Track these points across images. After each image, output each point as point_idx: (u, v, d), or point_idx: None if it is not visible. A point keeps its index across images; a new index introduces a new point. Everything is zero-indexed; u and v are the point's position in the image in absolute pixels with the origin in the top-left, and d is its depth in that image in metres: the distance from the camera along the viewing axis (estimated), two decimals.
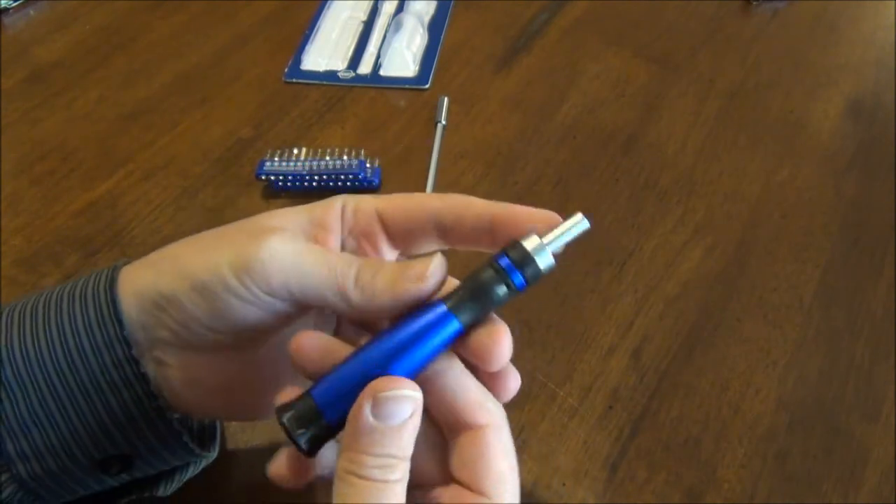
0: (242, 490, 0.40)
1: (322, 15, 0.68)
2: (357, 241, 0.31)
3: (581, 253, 0.50)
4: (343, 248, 0.31)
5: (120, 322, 0.28)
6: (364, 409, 0.25)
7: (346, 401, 0.26)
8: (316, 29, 0.66)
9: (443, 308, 0.27)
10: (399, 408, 0.25)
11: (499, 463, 0.27)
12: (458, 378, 0.28)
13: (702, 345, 0.46)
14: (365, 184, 0.53)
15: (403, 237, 0.31)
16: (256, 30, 0.66)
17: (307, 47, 0.64)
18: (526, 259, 0.27)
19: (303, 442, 0.26)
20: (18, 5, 0.68)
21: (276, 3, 0.69)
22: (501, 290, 0.27)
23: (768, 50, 0.65)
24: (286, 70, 0.62)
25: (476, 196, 0.31)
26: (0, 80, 0.61)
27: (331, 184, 0.53)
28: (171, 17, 0.67)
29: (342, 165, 0.53)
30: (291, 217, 0.30)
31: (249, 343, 0.29)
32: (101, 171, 0.55)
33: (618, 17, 0.67)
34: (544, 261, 0.27)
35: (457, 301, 0.27)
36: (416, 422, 0.25)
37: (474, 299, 0.27)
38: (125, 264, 0.30)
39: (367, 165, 0.53)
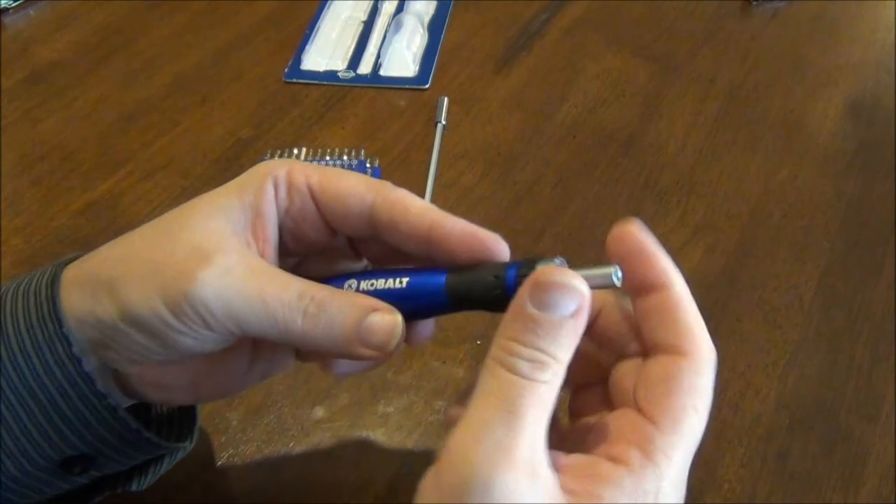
0: (244, 492, 0.40)
1: (322, 15, 0.68)
2: (294, 223, 0.29)
3: (581, 253, 0.50)
4: (281, 232, 0.29)
5: (59, 320, 0.27)
6: (525, 293, 0.23)
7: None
8: (316, 29, 0.66)
9: (441, 285, 0.27)
10: (561, 299, 0.23)
11: (684, 397, 0.24)
12: (681, 294, 0.26)
13: None
14: None
15: (338, 221, 0.29)
16: (256, 30, 0.66)
17: (307, 47, 0.64)
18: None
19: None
20: (18, 5, 0.68)
21: (276, 3, 0.69)
22: (492, 298, 0.26)
23: (768, 50, 0.65)
24: (286, 70, 0.62)
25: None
26: (0, 80, 0.61)
27: None
28: (171, 17, 0.67)
29: (342, 165, 0.53)
30: (223, 217, 0.28)
31: (208, 353, 0.28)
32: (101, 171, 0.55)
33: (618, 17, 0.67)
34: None
35: (453, 294, 0.27)
36: (579, 322, 0.23)
37: (467, 300, 0.27)
38: (70, 261, 0.29)
39: (367, 165, 0.53)
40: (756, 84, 0.62)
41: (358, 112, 0.59)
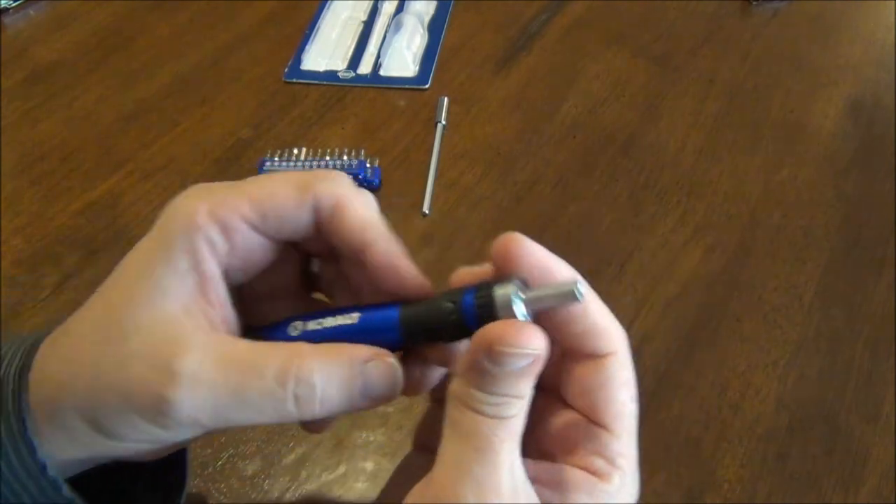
0: (245, 492, 0.40)
1: (322, 15, 0.68)
2: (240, 259, 0.27)
3: (581, 253, 0.50)
4: (233, 273, 0.27)
5: (23, 424, 0.25)
6: (480, 353, 0.23)
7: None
8: (316, 29, 0.66)
9: (395, 319, 0.26)
10: (517, 360, 0.23)
11: (621, 394, 0.26)
12: (589, 303, 0.26)
13: (702, 345, 0.46)
14: (365, 184, 0.53)
15: (288, 236, 0.27)
16: (256, 30, 0.66)
17: (307, 47, 0.64)
18: (488, 311, 0.24)
19: None
20: (18, 5, 0.68)
21: (276, 3, 0.69)
22: (449, 325, 0.25)
23: (768, 50, 0.65)
24: (286, 70, 0.62)
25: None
26: (0, 80, 0.61)
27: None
28: (171, 17, 0.67)
29: (342, 165, 0.53)
30: (167, 301, 0.25)
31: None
32: (101, 171, 0.55)
33: (618, 17, 0.67)
34: (505, 312, 0.24)
35: (408, 325, 0.26)
36: (537, 367, 0.23)
37: (423, 331, 0.26)
38: (34, 345, 0.26)
39: (367, 165, 0.53)
40: (756, 84, 0.62)
41: (358, 112, 0.59)
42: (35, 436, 0.25)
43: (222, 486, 0.40)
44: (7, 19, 0.67)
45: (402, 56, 0.63)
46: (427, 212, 0.52)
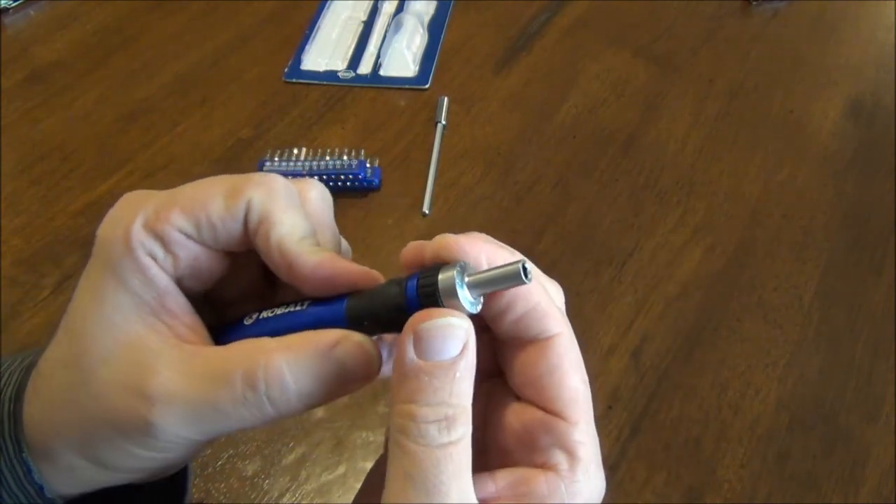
0: (245, 492, 0.40)
1: (322, 15, 0.68)
2: (189, 265, 0.25)
3: (581, 253, 0.50)
4: (184, 278, 0.26)
5: (19, 444, 0.25)
6: (406, 347, 0.22)
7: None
8: (316, 29, 0.66)
9: (341, 311, 0.25)
10: (445, 340, 0.22)
11: (572, 379, 0.24)
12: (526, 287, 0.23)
13: (702, 345, 0.46)
14: (365, 184, 0.53)
15: (227, 244, 0.26)
16: (256, 30, 0.66)
17: (307, 47, 0.64)
18: (431, 295, 0.23)
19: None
20: (18, 5, 0.68)
21: (276, 3, 0.69)
22: (394, 312, 0.24)
23: (768, 50, 0.65)
24: (286, 70, 0.62)
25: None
26: (0, 80, 0.61)
27: (331, 184, 0.53)
28: (171, 17, 0.67)
29: (342, 165, 0.53)
30: (126, 322, 0.24)
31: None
32: (101, 171, 0.55)
33: (618, 17, 0.67)
34: (449, 296, 0.23)
35: (353, 315, 0.25)
36: (469, 360, 0.22)
37: (370, 318, 0.25)
38: (33, 362, 0.26)
39: (367, 165, 0.53)
40: (756, 84, 0.62)
41: (358, 112, 0.59)
42: (33, 463, 0.25)
43: (222, 486, 0.40)
44: (7, 19, 0.67)
45: (402, 56, 0.63)
46: (427, 212, 0.52)
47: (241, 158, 0.56)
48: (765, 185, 0.54)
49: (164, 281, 0.25)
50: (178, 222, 0.25)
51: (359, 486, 0.40)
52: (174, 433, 0.23)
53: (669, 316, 0.47)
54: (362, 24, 0.67)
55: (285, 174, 0.52)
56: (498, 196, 0.53)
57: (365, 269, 0.25)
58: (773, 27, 0.67)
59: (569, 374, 0.24)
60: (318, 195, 0.27)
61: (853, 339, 0.46)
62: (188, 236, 0.25)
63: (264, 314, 0.26)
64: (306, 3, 0.68)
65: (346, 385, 0.24)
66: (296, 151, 0.54)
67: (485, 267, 0.24)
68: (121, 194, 0.27)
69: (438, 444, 0.21)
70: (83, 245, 0.50)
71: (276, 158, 0.53)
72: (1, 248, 0.50)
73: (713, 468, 0.41)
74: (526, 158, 0.56)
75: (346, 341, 0.24)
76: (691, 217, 0.52)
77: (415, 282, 0.23)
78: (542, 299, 0.24)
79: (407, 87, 0.61)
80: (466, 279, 0.23)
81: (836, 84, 0.62)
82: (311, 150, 0.55)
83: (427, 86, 0.61)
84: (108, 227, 0.25)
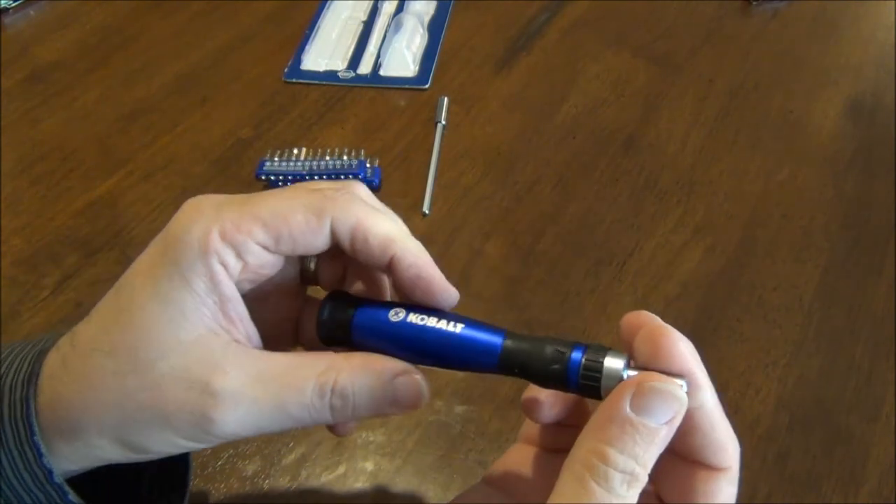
0: (245, 492, 0.40)
1: (322, 15, 0.68)
2: (254, 276, 0.27)
3: (581, 253, 0.50)
4: (246, 288, 0.27)
5: (31, 427, 0.25)
6: (624, 396, 0.23)
7: (374, 338, 0.27)
8: (316, 29, 0.66)
9: (497, 349, 0.26)
10: (663, 406, 0.23)
11: None
12: (713, 411, 0.24)
13: (702, 345, 0.45)
14: (365, 184, 0.53)
15: (299, 253, 0.28)
16: (256, 30, 0.66)
17: (307, 47, 0.64)
18: (594, 376, 0.25)
19: (325, 313, 0.28)
20: (18, 5, 0.68)
21: (276, 3, 0.69)
22: (549, 373, 0.25)
23: (768, 50, 0.65)
24: (286, 70, 0.62)
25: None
26: (0, 80, 0.61)
27: (323, 179, 0.52)
28: (171, 17, 0.67)
29: (342, 165, 0.53)
30: (189, 322, 0.25)
31: None
32: (101, 171, 0.55)
33: (618, 17, 0.67)
34: (609, 383, 0.24)
35: (507, 361, 0.26)
36: (672, 430, 0.23)
37: (519, 366, 0.26)
38: (41, 354, 0.26)
39: (367, 165, 0.53)
40: (756, 84, 0.62)
41: (358, 112, 0.59)
42: (44, 445, 0.25)
43: (222, 486, 0.40)
44: (7, 19, 0.67)
45: (402, 56, 0.63)
46: (427, 212, 0.52)
47: (241, 158, 0.56)
48: (765, 185, 0.54)
49: (230, 289, 0.26)
50: (258, 235, 0.26)
51: (359, 486, 0.40)
52: (231, 431, 0.25)
53: (669, 316, 0.47)
54: (362, 24, 0.67)
55: (285, 174, 0.52)
56: (498, 196, 0.53)
57: (447, 284, 0.28)
58: (773, 27, 0.67)
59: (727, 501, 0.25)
60: (367, 193, 0.29)
61: (853, 339, 0.46)
62: (264, 248, 0.26)
63: (412, 318, 0.27)
64: (306, 3, 0.68)
65: (393, 410, 0.27)
66: (296, 151, 0.54)
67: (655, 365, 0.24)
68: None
69: (619, 495, 0.22)
70: (83, 245, 0.50)
71: (276, 158, 0.53)
72: (1, 248, 0.50)
73: None
74: (526, 158, 0.56)
75: (406, 376, 0.26)
76: (691, 217, 0.52)
77: (580, 356, 0.25)
78: (723, 433, 0.25)
79: (407, 87, 0.61)
80: (627, 373, 0.24)
81: (836, 84, 0.62)
82: (311, 150, 0.55)
83: (427, 86, 0.61)
84: (181, 228, 0.26)
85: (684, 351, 0.25)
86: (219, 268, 0.25)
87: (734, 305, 0.48)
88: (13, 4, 0.68)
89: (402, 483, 0.40)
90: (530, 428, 0.31)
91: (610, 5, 0.68)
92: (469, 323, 0.27)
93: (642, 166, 0.55)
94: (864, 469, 0.41)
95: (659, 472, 0.25)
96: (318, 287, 0.31)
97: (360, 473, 0.40)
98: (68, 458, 0.26)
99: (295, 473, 0.40)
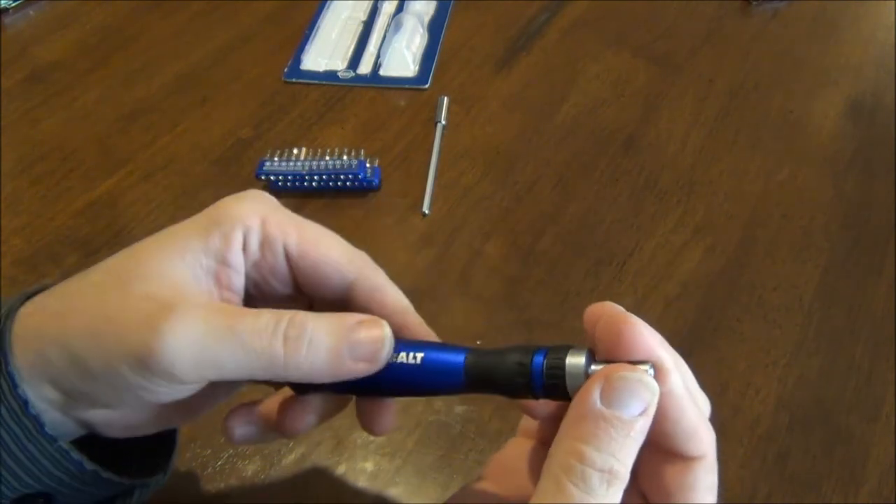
0: (244, 492, 0.40)
1: (322, 15, 0.68)
2: (261, 276, 0.28)
3: (581, 253, 0.50)
4: (247, 281, 0.27)
5: (5, 357, 0.25)
6: (593, 391, 0.22)
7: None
8: (316, 29, 0.66)
9: (460, 364, 0.26)
10: (634, 396, 0.22)
11: (705, 500, 0.24)
12: (682, 397, 0.23)
13: (702, 345, 0.46)
14: (365, 184, 0.53)
15: (310, 287, 0.28)
16: (256, 30, 0.66)
17: (307, 47, 0.64)
18: (557, 378, 0.24)
19: None
20: (18, 5, 0.68)
21: (276, 3, 0.69)
22: (514, 383, 0.25)
23: (768, 50, 0.65)
24: (286, 70, 0.62)
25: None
26: (0, 80, 0.61)
27: (330, 184, 0.53)
28: (171, 17, 0.67)
29: (342, 165, 0.53)
30: (183, 262, 0.25)
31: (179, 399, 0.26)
32: (101, 171, 0.55)
33: (618, 17, 0.67)
34: (574, 381, 0.24)
35: (471, 374, 0.26)
36: (646, 423, 0.22)
37: (485, 381, 0.26)
38: (24, 301, 0.26)
39: (367, 165, 0.53)
40: (756, 84, 0.62)
41: (358, 112, 0.59)
42: (16, 371, 0.25)
43: (222, 486, 0.40)
44: (7, 19, 0.67)
45: (402, 56, 0.63)
46: (427, 212, 0.52)
47: (241, 158, 0.56)
48: (765, 185, 0.54)
49: (237, 261, 0.26)
50: (290, 238, 0.27)
51: (359, 486, 0.40)
52: (174, 349, 0.23)
53: (669, 316, 0.47)
54: (362, 24, 0.67)
55: (285, 174, 0.52)
56: (498, 196, 0.53)
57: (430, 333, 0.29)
58: (773, 27, 0.67)
59: (704, 495, 0.24)
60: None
61: (853, 339, 0.46)
62: (286, 254, 0.27)
63: None
64: (306, 3, 0.68)
65: (352, 362, 0.25)
66: (296, 151, 0.54)
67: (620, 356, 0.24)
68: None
69: (598, 496, 0.21)
70: (83, 245, 0.50)
71: (276, 158, 0.53)
72: (1, 248, 0.50)
73: None
74: (526, 158, 0.56)
75: (371, 323, 0.26)
76: (691, 217, 0.52)
77: (541, 360, 0.24)
78: (695, 420, 0.24)
79: (407, 87, 0.61)
80: (592, 367, 0.24)
81: (836, 84, 0.62)
82: (310, 150, 0.55)
83: (427, 86, 0.61)
84: (231, 201, 0.27)
85: (646, 335, 0.23)
86: (239, 237, 0.26)
87: (734, 305, 0.48)
88: (13, 4, 0.67)
89: (402, 483, 0.40)
90: (529, 422, 0.31)
91: (610, 5, 0.68)
92: (427, 347, 0.27)
93: (642, 166, 0.55)
94: (864, 469, 0.41)
95: (636, 470, 0.25)
96: None
97: (360, 473, 0.40)
98: (26, 373, 0.25)
99: (295, 473, 0.40)
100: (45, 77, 0.62)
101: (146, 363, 0.23)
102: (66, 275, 0.48)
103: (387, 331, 0.26)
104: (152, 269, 0.25)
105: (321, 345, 0.25)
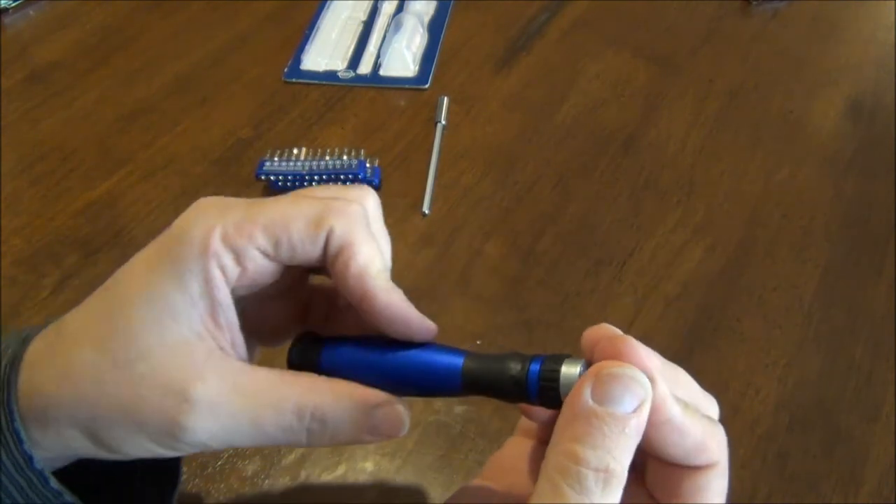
0: (244, 491, 0.40)
1: (322, 15, 0.68)
2: (249, 282, 0.26)
3: (581, 253, 0.50)
4: (235, 295, 0.27)
5: (11, 413, 0.24)
6: (584, 389, 0.22)
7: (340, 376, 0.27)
8: (316, 29, 0.66)
9: (458, 367, 0.26)
10: (625, 391, 0.22)
11: (713, 502, 0.24)
12: (681, 422, 0.23)
13: (701, 345, 0.46)
14: (365, 184, 0.53)
15: (294, 262, 0.27)
16: (256, 30, 0.66)
17: (307, 47, 0.64)
18: (552, 387, 0.24)
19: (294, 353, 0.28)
20: (18, 5, 0.68)
21: (276, 3, 0.69)
22: (511, 390, 0.25)
23: (768, 50, 0.65)
24: (286, 70, 0.62)
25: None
26: (0, 80, 0.61)
27: (330, 184, 0.53)
28: (171, 17, 0.67)
29: (342, 165, 0.53)
30: (176, 325, 0.25)
31: None
32: (101, 171, 0.55)
33: (618, 17, 0.67)
34: (568, 390, 0.23)
35: (468, 378, 0.26)
36: (641, 420, 0.22)
37: (482, 386, 0.26)
38: (24, 347, 0.26)
39: (367, 165, 0.53)
40: (756, 84, 0.62)
41: (358, 112, 0.59)
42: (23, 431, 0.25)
43: (222, 486, 0.40)
44: (7, 19, 0.67)
45: (402, 56, 0.63)
46: (427, 212, 0.52)
47: (241, 158, 0.56)
48: (765, 185, 0.54)
49: (223, 294, 0.25)
50: (258, 240, 0.25)
51: (359, 486, 0.40)
52: (201, 440, 0.24)
53: (669, 316, 0.47)
54: (362, 24, 0.67)
55: (285, 174, 0.52)
56: (498, 196, 0.53)
57: (423, 318, 0.27)
58: (773, 27, 0.67)
59: (714, 500, 0.24)
60: (375, 204, 0.29)
61: (853, 339, 0.46)
62: (264, 254, 0.26)
63: (372, 356, 0.28)
64: (306, 3, 0.68)
65: (371, 438, 0.26)
66: (296, 151, 0.54)
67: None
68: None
69: (591, 497, 0.21)
70: (83, 245, 0.50)
71: (276, 158, 0.53)
72: (1, 248, 0.50)
73: None
74: (526, 158, 0.56)
75: (388, 406, 0.26)
76: (691, 217, 0.52)
77: (538, 368, 0.24)
78: (699, 435, 0.23)
79: (407, 87, 0.61)
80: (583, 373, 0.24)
81: (836, 84, 0.62)
82: (310, 150, 0.55)
83: (427, 86, 0.61)
84: (184, 227, 0.25)
85: (643, 355, 0.23)
86: (216, 272, 0.25)
87: (734, 305, 0.48)
88: (13, 4, 0.67)
89: (402, 483, 0.40)
90: (527, 421, 0.31)
91: (610, 5, 0.68)
92: (429, 349, 0.27)
93: (642, 166, 0.55)
94: (864, 469, 0.41)
95: (647, 471, 0.25)
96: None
97: (360, 473, 0.40)
98: (42, 447, 0.25)
99: (295, 473, 0.40)
100: (44, 77, 0.62)
101: (173, 445, 0.25)
102: (66, 275, 0.49)
103: (402, 411, 0.26)
104: (151, 343, 0.25)
105: (343, 434, 0.26)
